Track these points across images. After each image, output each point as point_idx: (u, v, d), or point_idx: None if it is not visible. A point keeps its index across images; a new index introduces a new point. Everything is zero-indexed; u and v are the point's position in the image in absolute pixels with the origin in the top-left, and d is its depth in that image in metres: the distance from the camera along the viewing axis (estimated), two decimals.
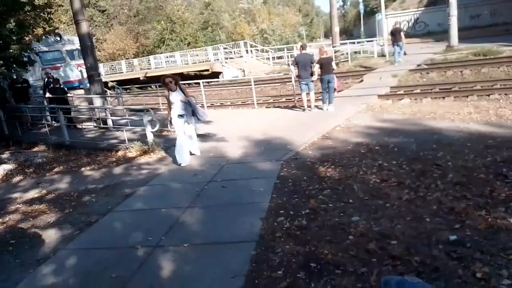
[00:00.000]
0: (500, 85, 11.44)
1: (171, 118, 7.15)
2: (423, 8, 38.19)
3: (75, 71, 17.23)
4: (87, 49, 11.11)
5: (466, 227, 3.78)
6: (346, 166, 5.97)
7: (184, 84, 8.23)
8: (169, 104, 7.10)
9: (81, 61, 17.03)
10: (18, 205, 6.15)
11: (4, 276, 4.03)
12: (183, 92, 7.01)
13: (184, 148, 7.02)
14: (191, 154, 7.35)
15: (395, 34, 18.07)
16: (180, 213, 4.93)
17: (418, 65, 16.99)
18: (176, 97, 6.92)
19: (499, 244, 3.43)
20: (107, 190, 6.27)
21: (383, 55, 22.90)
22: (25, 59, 11.79)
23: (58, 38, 17.57)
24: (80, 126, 11.52)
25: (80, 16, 10.88)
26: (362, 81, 15.80)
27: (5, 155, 9.63)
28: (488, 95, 10.40)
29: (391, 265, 3.32)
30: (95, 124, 11.48)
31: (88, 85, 12.85)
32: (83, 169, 7.83)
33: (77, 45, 17.74)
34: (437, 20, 34.79)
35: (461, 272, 3.11)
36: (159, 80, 8.09)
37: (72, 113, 11.78)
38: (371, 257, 3.47)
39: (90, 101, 12.01)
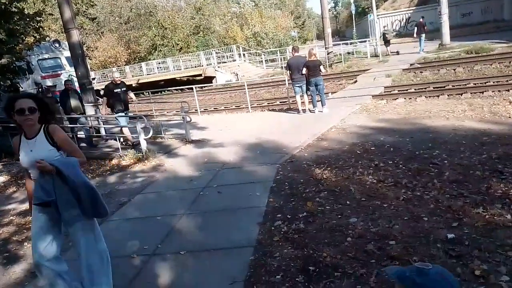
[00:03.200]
0: (493, 82, 11.53)
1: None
2: (414, 8, 38.47)
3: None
4: (77, 57, 11.04)
5: (464, 225, 3.76)
6: (343, 167, 5.94)
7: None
8: (26, 171, 3.15)
9: None
10: (12, 217, 6.06)
11: None
12: (51, 142, 3.00)
13: None
14: None
15: (419, 27, 20.97)
16: (176, 221, 4.88)
17: (412, 64, 17.12)
18: (32, 154, 2.94)
19: (496, 241, 3.42)
20: None
21: (376, 55, 23.05)
22: (23, 66, 11.67)
23: (57, 45, 17.32)
24: (71, 136, 11.42)
25: (70, 24, 10.82)
26: (356, 81, 15.85)
27: None
28: (482, 92, 10.47)
29: (390, 265, 3.29)
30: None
31: None
32: None
33: None
34: (429, 19, 34.90)
35: (459, 270, 3.09)
36: (152, 87, 7.88)
37: (64, 122, 11.66)
38: (370, 258, 3.44)
39: None
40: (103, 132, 10.70)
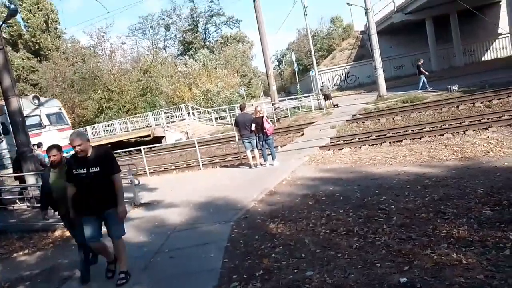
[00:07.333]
0: (429, 128, 12.40)
1: None
2: (352, 63, 41.37)
3: (57, 137, 15.70)
4: (18, 125, 10.60)
5: (414, 267, 3.85)
6: (296, 219, 5.96)
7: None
8: None
9: (66, 126, 15.68)
10: None
11: None
12: None
13: None
14: None
15: (418, 68, 22.18)
16: None
17: (354, 115, 18.07)
18: None
19: (445, 280, 3.52)
20: (44, 275, 5.71)
21: (320, 108, 24.12)
22: None
23: (37, 101, 16.17)
24: (11, 208, 10.68)
25: (10, 92, 10.47)
26: (303, 134, 16.37)
27: None
28: (420, 138, 11.18)
29: None
30: (28, 204, 10.66)
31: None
32: (15, 254, 7.12)
33: (56, 108, 16.39)
34: (366, 73, 37.87)
35: None
36: None
37: (1, 193, 10.92)
38: None
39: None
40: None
